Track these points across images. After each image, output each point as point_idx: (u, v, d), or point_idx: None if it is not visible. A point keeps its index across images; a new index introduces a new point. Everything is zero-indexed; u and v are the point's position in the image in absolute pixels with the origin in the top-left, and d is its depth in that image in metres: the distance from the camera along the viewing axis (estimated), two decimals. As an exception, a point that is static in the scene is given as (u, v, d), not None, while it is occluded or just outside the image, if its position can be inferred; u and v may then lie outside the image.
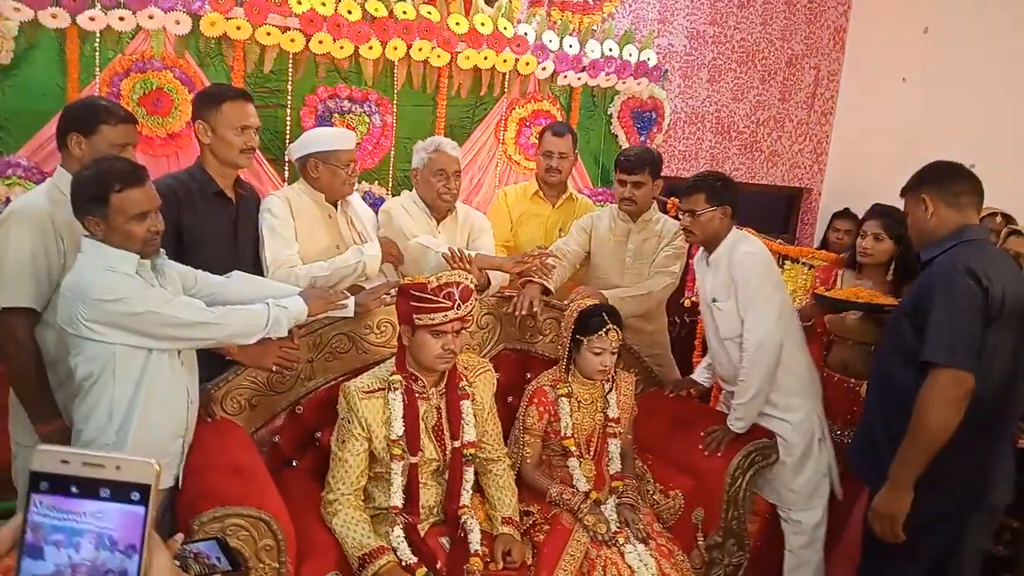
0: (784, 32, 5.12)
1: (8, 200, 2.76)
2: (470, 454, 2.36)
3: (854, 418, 2.92)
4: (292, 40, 3.28)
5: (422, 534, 2.28)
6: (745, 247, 2.72)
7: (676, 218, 3.08)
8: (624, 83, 4.02)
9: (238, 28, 3.17)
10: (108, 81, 3.04)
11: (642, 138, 4.15)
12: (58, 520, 0.70)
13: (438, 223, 3.00)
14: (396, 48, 3.47)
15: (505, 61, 3.72)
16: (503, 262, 2.85)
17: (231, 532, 1.89)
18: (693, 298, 3.81)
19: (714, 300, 2.77)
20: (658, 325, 3.36)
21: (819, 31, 5.22)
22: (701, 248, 2.87)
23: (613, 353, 2.56)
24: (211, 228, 2.55)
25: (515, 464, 2.58)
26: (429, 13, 3.50)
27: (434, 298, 2.23)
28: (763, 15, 5.04)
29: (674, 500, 2.67)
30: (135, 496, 0.71)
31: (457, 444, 2.35)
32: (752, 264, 2.68)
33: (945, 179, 2.23)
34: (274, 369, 2.44)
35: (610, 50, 3.95)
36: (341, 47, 3.36)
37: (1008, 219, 3.45)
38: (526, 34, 3.75)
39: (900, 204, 2.43)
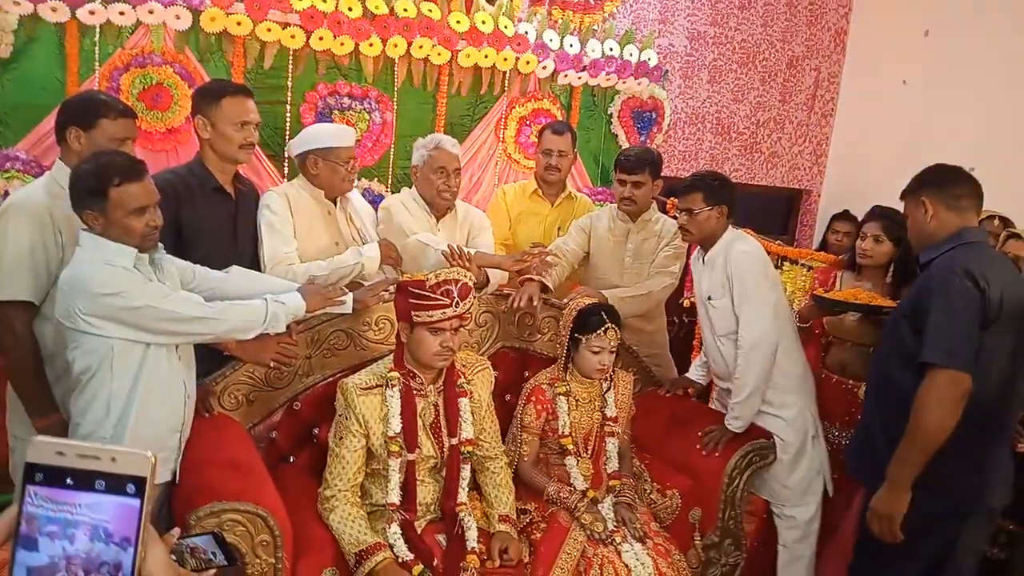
0: (785, 34, 5.12)
1: (7, 194, 2.76)
2: (467, 452, 2.36)
3: (852, 419, 2.92)
4: (292, 36, 3.28)
5: (419, 531, 2.27)
6: (741, 246, 2.73)
7: (675, 218, 3.08)
8: (624, 83, 4.02)
9: (238, 24, 3.17)
10: (108, 76, 3.04)
11: (642, 138, 4.15)
12: (53, 511, 0.70)
13: (437, 221, 3.00)
14: (396, 45, 3.46)
15: (506, 59, 3.72)
16: (502, 260, 2.85)
17: (228, 527, 1.88)
18: (692, 298, 3.81)
19: (709, 298, 2.79)
20: (657, 325, 3.36)
21: (820, 33, 5.23)
22: (698, 247, 2.88)
23: (611, 352, 2.56)
24: (210, 223, 2.54)
25: (513, 462, 2.58)
26: (430, 11, 3.50)
27: (432, 295, 2.22)
28: (764, 16, 5.04)
29: (671, 499, 2.67)
30: (130, 488, 0.71)
31: (455, 441, 2.34)
32: (748, 263, 2.69)
33: (945, 182, 2.24)
34: (272, 365, 2.44)
35: (611, 50, 3.95)
36: (341, 44, 3.36)
37: (1006, 222, 3.46)
38: (527, 33, 3.75)
39: (899, 206, 2.44)
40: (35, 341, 2.16)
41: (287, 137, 3.34)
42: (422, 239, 2.78)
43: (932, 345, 2.07)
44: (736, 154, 5.17)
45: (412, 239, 2.79)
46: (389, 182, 3.66)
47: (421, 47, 3.51)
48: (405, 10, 3.45)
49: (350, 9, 3.34)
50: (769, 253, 3.21)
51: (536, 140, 3.57)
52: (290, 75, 3.37)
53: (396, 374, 2.29)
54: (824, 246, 4.20)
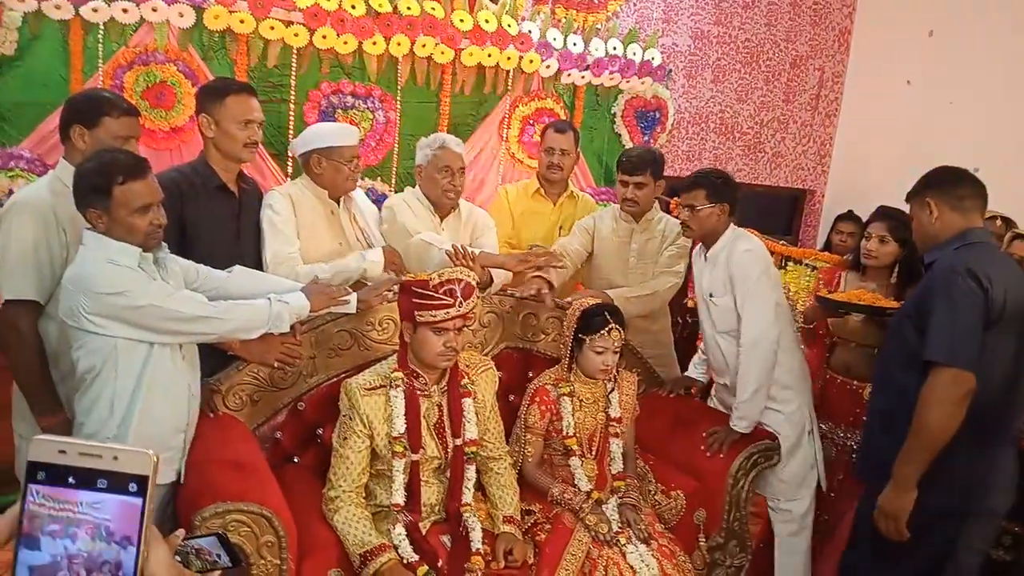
0: (789, 33, 5.11)
1: (11, 192, 2.75)
2: (471, 452, 2.35)
3: (857, 420, 2.92)
4: (296, 35, 3.27)
5: (423, 532, 2.27)
6: (744, 245, 2.74)
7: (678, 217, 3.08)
8: (628, 82, 4.01)
9: (242, 22, 3.17)
10: (111, 73, 3.03)
11: (645, 138, 4.14)
12: (55, 510, 0.70)
13: (441, 220, 3.00)
14: (400, 44, 3.46)
15: (509, 59, 3.71)
16: (506, 260, 2.85)
17: (232, 528, 1.88)
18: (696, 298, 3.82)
19: (711, 295, 2.80)
20: (662, 325, 3.35)
21: (824, 33, 5.22)
22: (699, 243, 2.89)
23: (615, 352, 2.55)
24: (213, 222, 2.53)
25: (517, 463, 2.57)
26: (433, 9, 3.49)
27: (436, 295, 2.22)
28: (768, 16, 5.03)
29: (676, 500, 2.66)
30: (133, 487, 0.70)
31: (459, 442, 2.34)
32: (751, 262, 2.70)
33: (949, 183, 2.26)
34: (276, 365, 2.43)
35: (614, 49, 3.94)
36: (345, 42, 3.35)
37: (1008, 222, 3.45)
38: (530, 32, 3.75)
39: (904, 206, 2.45)
40: (40, 340, 2.15)
41: (290, 136, 3.33)
42: (426, 238, 2.77)
43: (935, 344, 2.08)
44: (740, 154, 5.16)
45: (416, 238, 2.78)
46: (393, 181, 3.66)
47: (424, 46, 3.51)
48: (408, 8, 3.44)
49: (353, 7, 3.34)
50: (773, 253, 3.21)
51: (539, 139, 3.57)
52: (293, 73, 3.36)
53: (400, 374, 2.29)
54: (828, 247, 4.19)
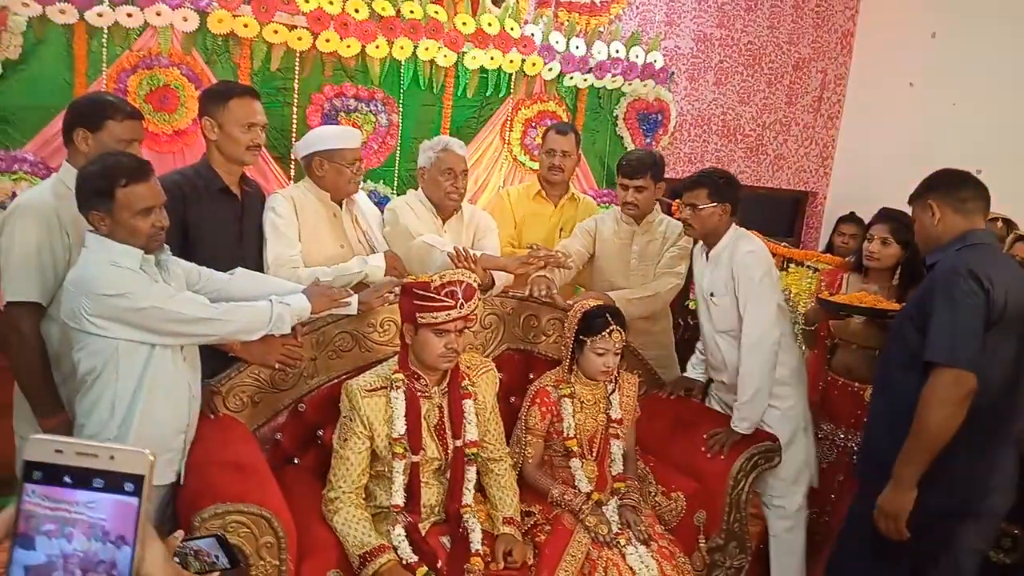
0: (791, 36, 5.12)
1: (14, 195, 2.77)
2: (472, 453, 2.36)
3: (859, 422, 2.91)
4: (299, 38, 3.28)
5: (423, 533, 2.27)
6: (747, 246, 2.75)
7: (681, 220, 3.08)
8: (630, 85, 4.01)
9: (245, 26, 3.18)
10: (115, 77, 3.05)
11: (648, 140, 4.14)
12: (51, 510, 0.70)
13: (444, 222, 3.00)
14: (403, 47, 3.47)
15: (511, 62, 3.72)
16: (508, 263, 2.85)
17: (232, 529, 1.88)
18: (698, 299, 3.82)
19: (712, 294, 2.81)
20: (663, 326, 3.36)
21: (826, 35, 5.22)
22: (700, 242, 2.90)
23: (616, 354, 2.55)
24: (216, 224, 2.54)
25: (517, 464, 2.58)
26: (436, 13, 3.50)
27: (437, 297, 2.22)
28: (770, 18, 5.03)
29: (676, 502, 2.67)
30: (128, 487, 0.71)
31: (459, 443, 2.34)
32: (754, 263, 2.71)
33: (952, 186, 2.26)
34: (277, 366, 2.44)
35: (617, 51, 3.95)
36: (348, 46, 3.36)
37: (1010, 224, 3.45)
38: (533, 35, 3.75)
39: (906, 208, 2.45)
40: (42, 342, 2.16)
41: (293, 139, 3.34)
42: (428, 241, 2.78)
43: (936, 344, 2.08)
44: (742, 156, 5.16)
45: (418, 241, 2.79)
46: (395, 184, 3.66)
47: (427, 49, 3.52)
48: (411, 12, 3.45)
49: (356, 11, 3.35)
50: (774, 255, 3.21)
51: (541, 142, 3.57)
52: (296, 77, 3.37)
53: (401, 376, 2.29)
54: (830, 248, 4.19)
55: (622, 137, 4.09)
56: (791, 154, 5.32)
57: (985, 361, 2.07)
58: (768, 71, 5.10)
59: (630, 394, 2.71)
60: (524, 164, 3.92)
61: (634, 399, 2.72)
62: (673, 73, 4.36)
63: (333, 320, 2.56)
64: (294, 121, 3.40)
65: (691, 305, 4.15)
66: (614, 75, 3.95)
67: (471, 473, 2.37)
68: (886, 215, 3.03)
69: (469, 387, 2.39)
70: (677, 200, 3.80)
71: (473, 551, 2.22)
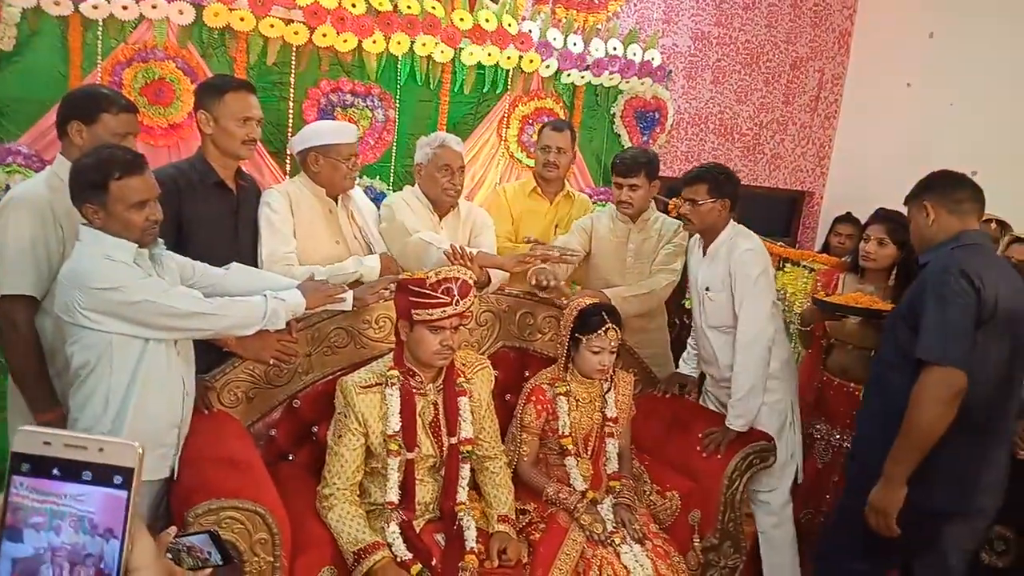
0: (789, 35, 5.11)
1: (8, 188, 2.75)
2: (467, 451, 2.35)
3: (854, 422, 2.91)
4: (296, 33, 3.27)
5: (418, 530, 2.26)
6: (745, 244, 2.75)
7: (678, 218, 3.08)
8: (628, 82, 4.01)
9: (242, 19, 3.16)
10: (110, 70, 3.03)
11: (645, 138, 4.14)
12: (38, 502, 0.69)
13: (440, 219, 2.99)
14: (400, 42, 3.45)
15: (509, 58, 3.71)
16: (504, 261, 2.84)
17: (226, 525, 1.88)
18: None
19: (707, 289, 2.81)
20: (658, 324, 3.36)
21: (824, 34, 5.21)
22: (695, 236, 2.90)
23: (612, 352, 2.55)
24: (211, 218, 2.53)
25: (512, 462, 2.57)
26: (433, 8, 3.49)
27: (433, 294, 2.22)
28: (768, 17, 5.03)
29: (671, 501, 2.67)
30: (117, 480, 0.70)
31: (454, 441, 2.34)
32: (751, 261, 2.71)
33: (947, 187, 2.29)
34: (272, 362, 2.43)
35: (614, 49, 3.94)
36: (344, 40, 3.35)
37: (1004, 226, 3.45)
38: (530, 31, 3.74)
39: (903, 209, 2.46)
40: (36, 335, 2.15)
41: (289, 134, 3.33)
42: (425, 237, 2.77)
43: (927, 342, 2.11)
44: (739, 155, 5.16)
45: (415, 237, 2.78)
46: (391, 180, 3.65)
47: (424, 44, 3.51)
48: (408, 7, 3.44)
49: (353, 6, 3.33)
50: (771, 254, 3.20)
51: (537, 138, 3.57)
52: (293, 71, 3.36)
53: (396, 372, 2.29)
54: (826, 248, 4.19)
55: (619, 135, 4.09)
56: (788, 153, 5.32)
57: (975, 360, 2.09)
58: (766, 70, 5.10)
59: (626, 393, 2.71)
60: (521, 161, 3.92)
61: (630, 398, 2.72)
62: (671, 71, 4.36)
63: (328, 316, 2.55)
64: (290, 116, 3.39)
65: (687, 304, 4.16)
66: (611, 73, 3.95)
67: (466, 470, 2.36)
68: (883, 215, 3.04)
69: (464, 384, 2.39)
70: (674, 199, 3.80)
71: (468, 549, 2.22)
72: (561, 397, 2.57)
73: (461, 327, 2.34)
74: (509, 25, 3.67)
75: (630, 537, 2.40)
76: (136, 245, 1.95)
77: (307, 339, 2.54)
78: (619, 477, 2.60)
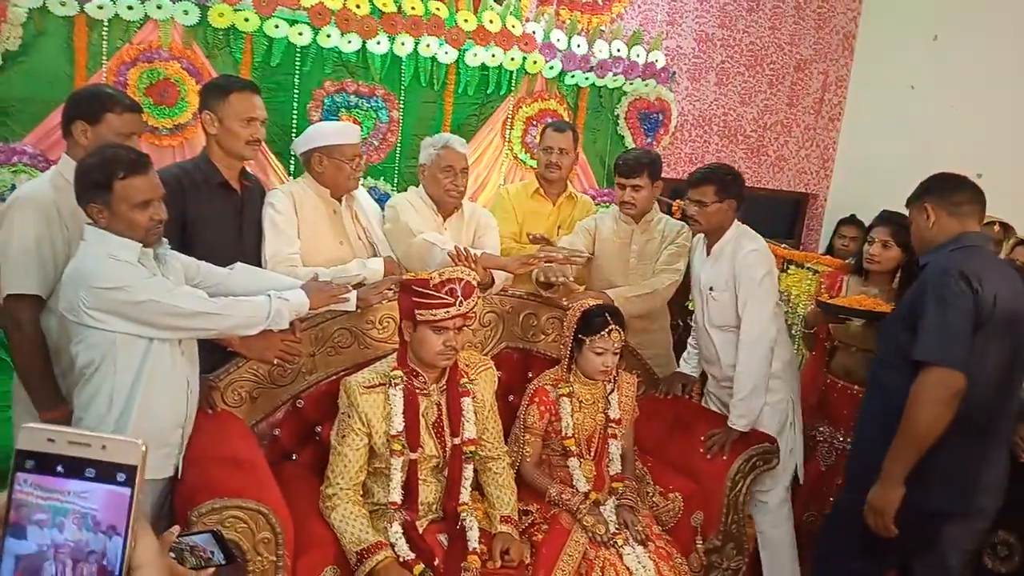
0: (793, 37, 5.11)
1: (14, 187, 2.76)
2: (470, 451, 2.35)
3: (857, 424, 2.92)
4: (300, 33, 3.28)
5: (420, 531, 2.27)
6: (750, 244, 2.76)
7: (682, 219, 3.08)
8: (632, 84, 4.01)
9: (246, 20, 3.17)
10: (115, 70, 3.04)
11: (648, 140, 4.14)
12: (42, 499, 0.69)
13: (444, 220, 3.00)
14: (404, 44, 3.46)
15: (513, 59, 3.72)
16: (508, 262, 2.84)
17: (229, 524, 1.88)
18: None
19: (711, 289, 2.81)
20: (661, 325, 3.36)
21: (828, 36, 5.21)
22: (699, 236, 2.90)
23: (615, 354, 2.55)
24: (215, 219, 2.54)
25: (515, 463, 2.57)
26: (437, 9, 3.50)
27: (436, 294, 2.22)
28: (772, 19, 5.03)
29: (673, 502, 2.66)
30: (121, 477, 0.70)
31: (457, 441, 2.34)
32: (756, 262, 2.72)
33: (948, 189, 2.29)
34: (275, 362, 2.43)
35: (618, 51, 3.94)
36: (349, 41, 3.36)
37: (1007, 228, 3.44)
38: (534, 33, 3.75)
39: (906, 212, 2.45)
40: (42, 335, 2.16)
41: (294, 134, 3.34)
42: (429, 238, 2.77)
43: (925, 343, 2.11)
44: (743, 157, 5.16)
45: (418, 238, 2.78)
46: (395, 181, 3.66)
47: (428, 46, 3.51)
48: (413, 8, 3.44)
49: (358, 6, 3.34)
50: (775, 256, 3.20)
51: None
52: (297, 72, 3.37)
53: (399, 373, 2.29)
54: (830, 251, 4.18)
55: (623, 137, 4.09)
56: (792, 155, 5.31)
57: (974, 362, 2.09)
58: (770, 72, 5.10)
59: (629, 394, 2.71)
60: (525, 162, 3.92)
61: (633, 399, 2.72)
62: (674, 73, 4.36)
63: (332, 316, 2.55)
64: (294, 116, 3.40)
65: (690, 306, 4.15)
66: (615, 74, 3.95)
67: (469, 471, 2.36)
68: (887, 218, 3.03)
69: (468, 385, 2.39)
70: (678, 200, 3.80)
71: (470, 549, 2.22)
72: (564, 398, 2.57)
73: (464, 328, 2.34)
74: (513, 26, 3.68)
75: (633, 538, 2.40)
76: (140, 245, 1.95)
77: (311, 339, 2.55)
78: (622, 478, 2.60)
